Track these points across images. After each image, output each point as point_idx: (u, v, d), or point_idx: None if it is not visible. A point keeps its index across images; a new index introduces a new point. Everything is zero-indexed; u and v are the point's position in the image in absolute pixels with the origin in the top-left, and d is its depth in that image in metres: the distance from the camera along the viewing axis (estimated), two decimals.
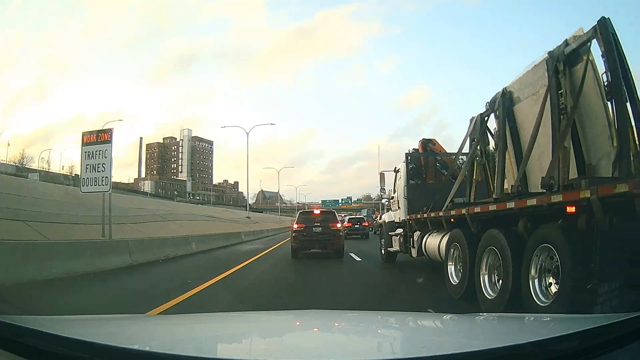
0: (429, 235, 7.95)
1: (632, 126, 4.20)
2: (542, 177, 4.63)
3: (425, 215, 7.91)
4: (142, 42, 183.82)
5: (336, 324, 2.22)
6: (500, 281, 4.79)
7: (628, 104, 4.27)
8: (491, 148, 7.03)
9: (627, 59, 4.39)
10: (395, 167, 10.73)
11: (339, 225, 13.88)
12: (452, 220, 6.68)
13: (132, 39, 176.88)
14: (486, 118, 6.85)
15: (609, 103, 4.37)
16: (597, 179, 4.00)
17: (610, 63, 4.28)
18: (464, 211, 5.98)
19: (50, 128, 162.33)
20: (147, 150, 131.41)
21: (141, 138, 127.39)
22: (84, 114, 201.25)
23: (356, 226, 26.73)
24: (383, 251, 11.42)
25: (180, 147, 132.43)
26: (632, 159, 4.03)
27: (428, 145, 10.32)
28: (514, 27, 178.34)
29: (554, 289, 3.95)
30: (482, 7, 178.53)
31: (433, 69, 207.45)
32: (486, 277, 5.15)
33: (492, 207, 5.32)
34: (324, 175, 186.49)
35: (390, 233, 10.56)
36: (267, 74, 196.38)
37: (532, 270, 4.18)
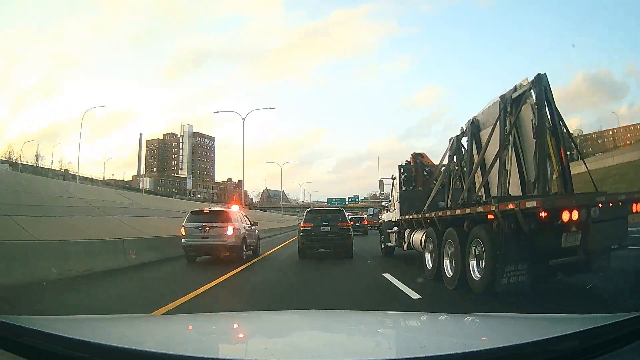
0: (414, 232, 9.65)
1: (553, 159, 5.94)
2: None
3: (411, 216, 9.66)
4: (152, 39, 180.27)
5: (336, 324, 2.22)
6: (454, 264, 6.49)
7: (553, 142, 5.94)
8: (463, 163, 8.64)
9: (555, 105, 6.04)
10: (392, 175, 12.61)
11: (347, 223, 13.44)
12: (427, 220, 8.34)
13: (143, 36, 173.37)
14: (461, 139, 8.66)
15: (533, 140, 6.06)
16: (505, 197, 6.04)
17: (538, 110, 5.92)
18: (433, 214, 7.80)
19: (57, 125, 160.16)
20: (147, 147, 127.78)
21: (140, 134, 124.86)
22: (92, 111, 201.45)
23: (357, 224, 30.37)
24: (383, 246, 13.28)
25: (181, 144, 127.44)
26: (547, 182, 5.89)
27: (418, 158, 12.34)
28: (525, 28, 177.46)
29: (482, 267, 5.66)
30: (495, 7, 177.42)
31: (445, 69, 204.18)
32: (447, 261, 6.83)
33: (448, 213, 7.18)
34: (330, 175, 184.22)
35: (388, 230, 12.47)
36: (279, 74, 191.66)
37: (471, 255, 5.92)
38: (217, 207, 16.45)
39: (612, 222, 5.21)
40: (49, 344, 1.32)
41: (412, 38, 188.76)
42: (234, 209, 14.25)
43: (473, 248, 5.87)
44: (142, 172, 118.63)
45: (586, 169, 7.36)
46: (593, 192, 6.04)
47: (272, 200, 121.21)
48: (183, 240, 11.53)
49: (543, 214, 4.79)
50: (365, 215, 42.37)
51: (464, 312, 2.65)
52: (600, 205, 4.99)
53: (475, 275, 5.76)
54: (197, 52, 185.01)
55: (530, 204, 4.89)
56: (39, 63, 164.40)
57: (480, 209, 5.81)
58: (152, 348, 1.40)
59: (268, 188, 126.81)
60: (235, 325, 2.19)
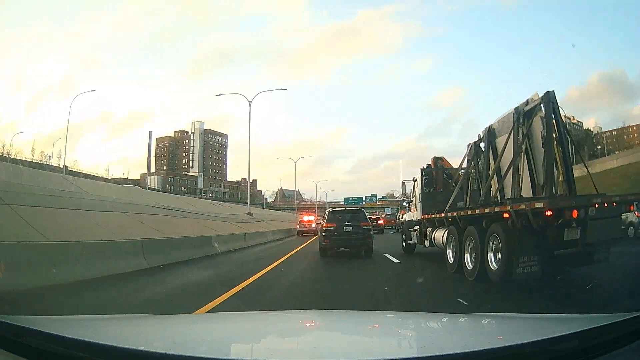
0: (436, 230, 10.38)
1: (560, 165, 6.90)
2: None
3: (433, 215, 10.41)
4: (174, 39, 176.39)
5: (337, 324, 2.22)
6: (474, 257, 7.29)
7: (559, 150, 6.91)
8: (481, 167, 9.43)
9: (562, 119, 7.12)
10: (414, 177, 13.33)
11: (369, 223, 13.82)
12: (449, 219, 9.08)
13: (164, 36, 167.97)
14: (479, 144, 9.42)
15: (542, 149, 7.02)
16: (517, 199, 7.00)
17: (547, 124, 6.87)
18: (455, 214, 8.62)
19: (74, 124, 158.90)
20: (157, 145, 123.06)
21: (150, 132, 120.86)
22: (112, 111, 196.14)
23: (373, 224, 32.33)
24: (404, 244, 13.72)
25: (192, 141, 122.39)
26: (556, 184, 6.84)
27: (438, 161, 13.09)
28: (543, 32, 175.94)
29: (499, 259, 6.49)
30: (520, 9, 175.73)
31: (465, 69, 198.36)
32: (467, 256, 7.64)
33: (469, 212, 8.04)
34: (348, 175, 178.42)
35: (409, 229, 13.03)
36: (301, 74, 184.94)
37: (489, 249, 6.74)
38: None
39: (608, 220, 6.07)
40: (49, 344, 1.32)
41: (435, 39, 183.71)
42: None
43: (491, 243, 6.73)
44: (152, 170, 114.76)
45: (587, 171, 8.56)
46: (592, 194, 6.84)
47: (287, 200, 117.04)
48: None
49: (548, 213, 5.69)
50: (383, 215, 45.88)
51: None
52: (596, 206, 5.86)
53: (493, 266, 6.62)
54: (218, 52, 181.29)
55: (538, 204, 5.82)
56: (55, 62, 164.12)
57: (497, 209, 6.73)
58: (152, 348, 1.40)
59: (283, 188, 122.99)
60: (236, 326, 2.19)
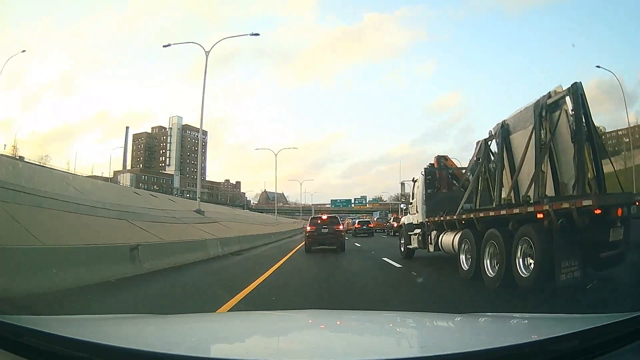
0: (444, 233, 9.67)
1: (588, 162, 6.24)
2: (521, 194, 7.05)
3: (442, 218, 9.61)
4: (176, 39, 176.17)
5: (336, 324, 2.22)
6: (497, 263, 6.68)
7: (588, 145, 6.28)
8: (491, 166, 8.80)
9: (590, 112, 6.33)
10: (414, 178, 12.59)
11: (341, 227, 17.81)
12: (463, 222, 8.47)
13: (168, 34, 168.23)
14: (489, 142, 8.68)
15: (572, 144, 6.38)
16: (552, 197, 6.17)
17: (576, 117, 6.20)
18: (472, 215, 7.90)
19: (75, 124, 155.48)
20: (134, 141, 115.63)
21: (127, 127, 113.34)
22: (110, 110, 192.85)
23: (364, 227, 36.02)
24: (402, 248, 12.87)
25: (169, 137, 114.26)
26: (586, 183, 6.13)
27: (441, 160, 12.23)
28: (550, 29, 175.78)
29: (530, 266, 5.90)
30: (519, 18, 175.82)
31: (465, 74, 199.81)
32: (488, 262, 6.99)
33: (492, 213, 7.30)
34: (340, 179, 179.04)
35: (409, 233, 12.20)
36: (303, 76, 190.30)
37: (518, 254, 6.11)
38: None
39: None
40: (49, 344, 1.32)
41: (437, 44, 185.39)
42: None
43: (519, 247, 6.09)
44: (129, 168, 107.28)
45: (613, 170, 7.52)
46: (629, 192, 6.72)
47: (270, 202, 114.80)
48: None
49: (597, 211, 5.26)
50: (375, 219, 47.30)
51: None
52: (637, 203, 5.69)
53: (522, 272, 5.98)
54: (222, 52, 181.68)
55: (586, 202, 5.32)
56: (55, 60, 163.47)
57: (530, 209, 6.09)
58: (152, 348, 1.40)
59: (267, 190, 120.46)
60: (236, 325, 2.19)
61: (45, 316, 3.00)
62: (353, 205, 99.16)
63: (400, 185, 14.44)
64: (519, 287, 5.97)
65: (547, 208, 5.66)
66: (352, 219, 51.14)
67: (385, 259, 12.27)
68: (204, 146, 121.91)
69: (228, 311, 5.11)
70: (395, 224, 31.27)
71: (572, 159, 6.27)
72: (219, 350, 1.64)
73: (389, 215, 53.88)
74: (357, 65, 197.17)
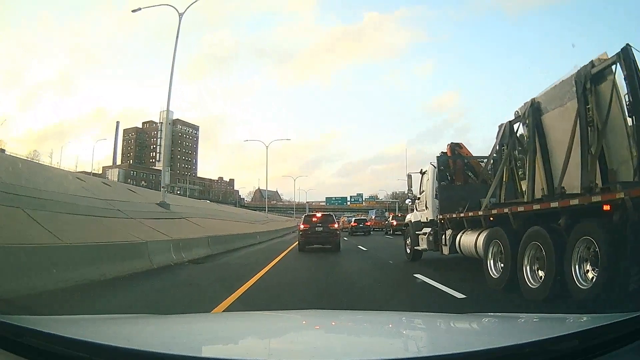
0: (463, 233, 8.26)
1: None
2: (581, 180, 5.46)
3: (462, 214, 8.17)
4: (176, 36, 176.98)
5: (336, 324, 2.22)
6: (542, 271, 5.39)
7: None
8: (516, 153, 7.60)
9: None
10: (421, 169, 11.02)
11: (336, 225, 16.95)
12: (491, 218, 7.08)
13: (167, 32, 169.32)
14: (515, 125, 7.48)
15: (629, 119, 5.10)
16: (627, 183, 4.77)
17: (631, 85, 4.99)
18: (506, 210, 6.42)
19: (71, 121, 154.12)
20: (124, 136, 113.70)
21: (118, 122, 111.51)
22: (106, 108, 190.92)
23: (360, 225, 35.25)
24: (409, 250, 11.43)
25: (159, 132, 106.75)
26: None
27: (456, 148, 10.67)
28: (550, 30, 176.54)
29: (590, 274, 4.69)
30: (518, 19, 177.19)
31: (464, 75, 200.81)
32: (528, 268, 5.71)
33: (536, 207, 5.86)
34: (335, 178, 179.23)
35: (417, 232, 10.81)
36: (302, 76, 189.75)
37: (574, 259, 4.84)
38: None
39: None
40: (49, 344, 1.32)
41: (436, 44, 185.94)
42: None
43: (577, 249, 4.88)
44: (119, 163, 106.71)
45: None
46: None
47: (264, 200, 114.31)
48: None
49: None
50: (373, 217, 45.92)
51: None
52: None
53: (581, 282, 4.78)
54: (221, 51, 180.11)
55: None
56: (53, 57, 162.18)
57: (597, 198, 4.76)
58: (152, 348, 1.40)
59: (261, 188, 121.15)
60: (236, 325, 2.19)
61: (46, 316, 3.00)
62: (349, 203, 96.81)
63: (406, 177, 11.97)
64: (575, 299, 4.78)
65: (624, 196, 4.30)
66: (347, 217, 50.77)
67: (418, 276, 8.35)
68: (196, 142, 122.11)
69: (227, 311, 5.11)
70: (395, 223, 31.05)
71: (627, 138, 5.12)
72: (219, 351, 1.64)
73: (386, 213, 53.77)
74: (356, 65, 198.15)
